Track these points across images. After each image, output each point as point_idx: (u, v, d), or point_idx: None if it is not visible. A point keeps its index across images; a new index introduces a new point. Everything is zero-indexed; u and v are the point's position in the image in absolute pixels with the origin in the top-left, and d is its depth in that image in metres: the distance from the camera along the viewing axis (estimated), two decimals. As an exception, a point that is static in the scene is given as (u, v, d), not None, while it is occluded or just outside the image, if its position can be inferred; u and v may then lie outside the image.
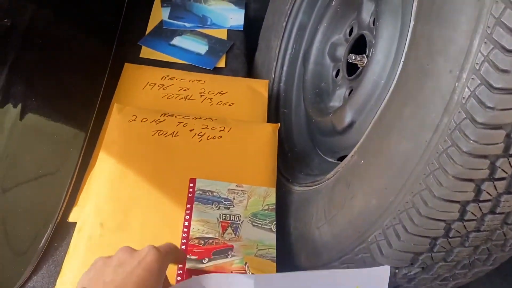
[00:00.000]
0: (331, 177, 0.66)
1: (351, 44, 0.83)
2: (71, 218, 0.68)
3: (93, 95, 0.78)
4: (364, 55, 0.72)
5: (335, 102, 0.82)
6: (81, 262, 0.61)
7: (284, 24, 0.99)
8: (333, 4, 0.86)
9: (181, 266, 0.60)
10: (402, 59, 0.57)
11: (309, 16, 0.97)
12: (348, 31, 0.86)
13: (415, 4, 0.56)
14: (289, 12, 0.98)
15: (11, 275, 0.60)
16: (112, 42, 0.86)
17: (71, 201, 0.69)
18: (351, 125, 0.71)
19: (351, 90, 0.79)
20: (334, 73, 0.87)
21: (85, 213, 0.66)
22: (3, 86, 0.72)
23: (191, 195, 0.68)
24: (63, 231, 0.66)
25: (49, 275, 0.62)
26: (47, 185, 0.69)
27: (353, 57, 0.73)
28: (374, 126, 0.57)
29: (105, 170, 0.70)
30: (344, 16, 0.86)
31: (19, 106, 0.71)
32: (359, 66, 0.74)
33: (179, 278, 0.60)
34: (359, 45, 0.82)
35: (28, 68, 0.75)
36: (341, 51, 0.87)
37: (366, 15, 0.78)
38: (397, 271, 0.53)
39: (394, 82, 0.55)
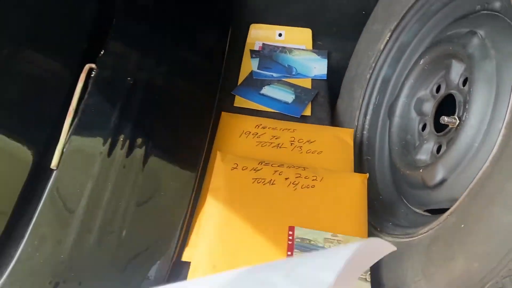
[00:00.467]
0: (425, 232, 0.69)
1: (438, 101, 0.87)
2: (184, 258, 0.76)
3: (200, 142, 0.87)
4: (456, 117, 0.76)
5: (422, 156, 0.86)
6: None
7: (368, 76, 1.04)
8: (421, 62, 0.90)
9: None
10: (502, 129, 0.60)
11: (393, 70, 1.02)
12: (435, 88, 0.89)
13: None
14: (373, 65, 1.04)
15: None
16: (215, 93, 0.95)
17: (184, 242, 0.77)
18: (442, 182, 0.74)
19: (439, 146, 0.82)
20: (420, 126, 0.91)
21: (198, 254, 0.74)
22: (125, 137, 0.82)
23: (290, 242, 0.74)
24: (177, 269, 0.74)
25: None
26: (163, 226, 0.77)
27: (446, 119, 0.76)
28: (473, 192, 0.60)
29: (213, 214, 0.78)
30: (432, 74, 0.90)
31: (141, 152, 0.81)
32: (449, 125, 0.78)
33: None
34: (446, 102, 0.85)
35: (147, 119, 0.86)
36: (427, 107, 0.90)
37: (455, 76, 0.82)
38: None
39: (494, 152, 0.59)
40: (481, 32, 0.74)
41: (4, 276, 0.66)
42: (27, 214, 0.74)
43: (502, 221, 0.52)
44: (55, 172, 0.76)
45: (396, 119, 0.95)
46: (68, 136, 0.80)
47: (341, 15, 1.25)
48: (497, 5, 0.74)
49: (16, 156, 0.80)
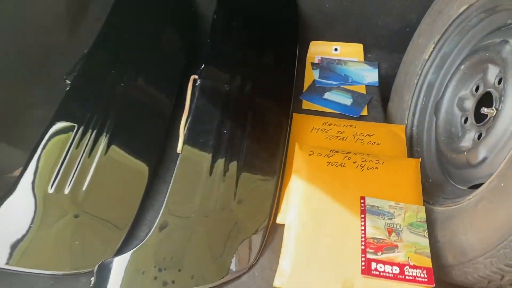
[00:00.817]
0: (472, 198, 0.87)
1: (477, 98, 1.05)
2: (278, 221, 0.97)
3: (283, 137, 1.08)
4: (494, 108, 0.94)
5: (466, 143, 1.04)
6: (293, 249, 0.88)
7: (415, 81, 1.24)
8: (462, 68, 1.09)
9: (363, 255, 0.85)
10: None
11: (437, 75, 1.21)
12: (474, 88, 1.08)
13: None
14: (419, 72, 1.23)
15: (247, 258, 0.89)
16: (290, 98, 1.17)
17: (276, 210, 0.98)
18: (484, 160, 0.92)
19: (480, 134, 1.00)
20: (463, 120, 1.09)
21: (290, 217, 0.94)
22: (226, 128, 1.05)
23: (363, 208, 0.94)
24: (274, 229, 0.95)
25: (269, 265, 0.89)
26: (261, 198, 0.98)
27: (486, 110, 0.95)
28: (510, 161, 0.78)
29: (298, 187, 0.98)
30: (471, 76, 1.08)
31: (239, 141, 1.03)
32: (488, 116, 0.96)
33: (363, 265, 0.84)
34: (484, 99, 1.04)
35: (242, 116, 1.08)
36: (468, 104, 1.09)
37: (491, 77, 1.01)
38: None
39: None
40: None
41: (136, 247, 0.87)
42: (163, 189, 0.98)
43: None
44: (180, 155, 0.99)
45: (442, 115, 1.14)
46: (186, 128, 1.03)
47: (388, 32, 1.45)
48: (525, 19, 0.93)
49: (148, 143, 1.04)
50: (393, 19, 1.44)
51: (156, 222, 0.89)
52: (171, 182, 0.95)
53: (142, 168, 1.00)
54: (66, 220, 0.90)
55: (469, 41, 1.12)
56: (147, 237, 0.88)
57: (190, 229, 0.90)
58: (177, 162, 0.98)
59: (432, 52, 1.20)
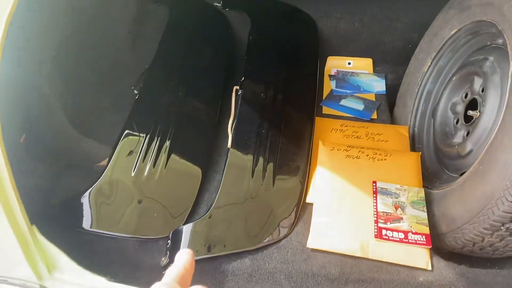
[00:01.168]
0: (459, 180, 1.11)
1: (466, 104, 1.30)
2: (308, 200, 1.21)
3: (309, 135, 1.33)
4: (477, 111, 1.19)
5: (457, 139, 1.28)
6: (321, 222, 1.13)
7: (416, 90, 1.48)
8: (453, 79, 1.34)
9: (376, 224, 1.10)
10: (501, 114, 1.02)
11: (434, 84, 1.45)
12: (464, 95, 1.32)
13: (509, 82, 1.03)
14: (420, 82, 1.48)
15: (286, 227, 1.13)
16: (314, 104, 1.42)
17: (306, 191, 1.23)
18: (470, 152, 1.17)
19: (468, 132, 1.25)
20: (455, 121, 1.33)
21: (317, 197, 1.19)
22: (265, 127, 1.30)
23: (375, 189, 1.18)
24: (304, 207, 1.20)
25: (302, 232, 1.14)
26: (294, 183, 1.23)
27: (471, 112, 1.19)
28: (487, 150, 1.02)
29: (322, 175, 1.23)
30: (461, 86, 1.33)
31: (276, 139, 1.28)
32: (473, 117, 1.21)
33: (375, 231, 1.09)
34: (471, 104, 1.28)
35: (277, 119, 1.33)
36: (459, 108, 1.33)
37: (477, 86, 1.25)
38: (502, 226, 0.96)
39: (498, 125, 1.01)
40: (491, 58, 1.18)
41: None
42: (216, 177, 1.23)
43: (503, 158, 0.94)
44: (230, 149, 1.25)
45: (438, 117, 1.39)
46: (233, 129, 1.29)
47: (393, 48, 1.71)
48: (500, 41, 1.17)
49: (202, 142, 1.30)
50: (398, 37, 1.69)
51: (215, 201, 1.14)
52: (224, 170, 1.20)
53: (199, 161, 1.26)
54: (147, 200, 1.15)
55: (459, 57, 1.37)
56: (208, 212, 1.13)
57: (241, 207, 1.15)
58: (228, 155, 1.23)
59: (430, 65, 1.45)
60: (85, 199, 1.12)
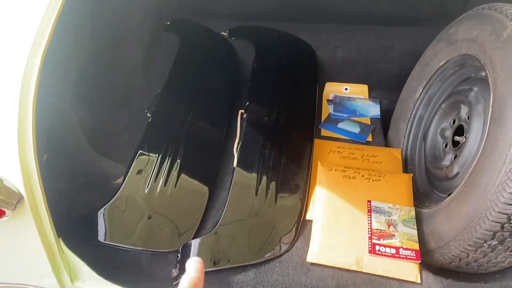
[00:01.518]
0: (446, 200, 1.20)
1: (454, 129, 1.40)
2: (307, 217, 1.30)
3: (309, 156, 1.43)
4: (464, 137, 1.28)
5: (446, 162, 1.38)
6: (319, 238, 1.21)
7: (409, 115, 1.58)
8: (442, 106, 1.45)
9: (370, 240, 1.18)
10: (484, 140, 1.12)
11: (425, 111, 1.55)
12: (452, 121, 1.42)
13: (490, 112, 1.13)
14: (412, 108, 1.58)
15: (287, 242, 1.22)
16: (313, 127, 1.52)
17: (306, 208, 1.32)
18: (457, 174, 1.26)
19: (455, 155, 1.34)
20: (444, 145, 1.43)
21: (316, 215, 1.27)
22: (267, 149, 1.39)
23: (369, 208, 1.27)
24: (304, 224, 1.28)
25: (302, 247, 1.22)
26: (294, 201, 1.31)
27: (458, 138, 1.29)
28: (471, 173, 1.12)
29: (321, 194, 1.32)
30: (449, 113, 1.43)
31: (278, 159, 1.37)
32: (460, 142, 1.30)
33: (369, 247, 1.17)
34: (459, 129, 1.38)
35: (279, 140, 1.43)
36: (448, 133, 1.43)
37: (463, 114, 1.35)
38: (484, 243, 1.05)
39: (480, 151, 1.11)
40: (475, 88, 1.29)
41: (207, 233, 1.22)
42: (222, 195, 1.32)
43: (482, 181, 1.03)
44: (235, 169, 1.34)
45: (428, 141, 1.49)
46: (238, 150, 1.38)
47: (388, 76, 1.82)
48: (483, 73, 1.27)
49: (209, 162, 1.39)
50: (392, 66, 1.80)
51: (221, 218, 1.23)
52: (230, 189, 1.29)
53: (206, 179, 1.35)
54: (158, 215, 1.24)
55: (448, 86, 1.47)
56: (215, 228, 1.21)
57: (245, 223, 1.24)
58: (233, 174, 1.33)
59: (421, 93, 1.55)
60: (102, 215, 1.21)
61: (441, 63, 1.44)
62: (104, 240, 1.17)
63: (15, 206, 0.88)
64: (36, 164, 0.89)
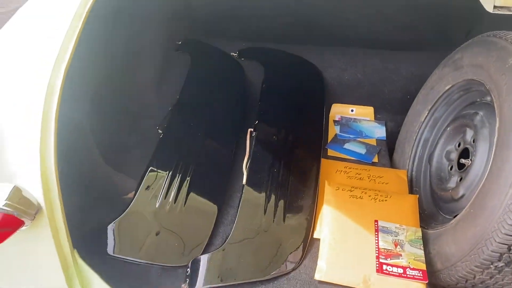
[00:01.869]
0: (452, 222, 1.22)
1: (459, 152, 1.42)
2: (315, 236, 1.31)
3: (316, 175, 1.45)
4: (469, 159, 1.31)
5: (451, 184, 1.40)
6: (327, 256, 1.23)
7: (414, 137, 1.61)
8: (448, 129, 1.48)
9: (377, 260, 1.20)
10: (490, 163, 1.15)
11: (430, 133, 1.58)
12: (457, 144, 1.45)
13: (496, 136, 1.16)
14: (418, 131, 1.61)
15: (295, 260, 1.23)
16: (320, 147, 1.55)
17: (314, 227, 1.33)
18: (462, 196, 1.29)
19: (461, 177, 1.37)
20: (449, 167, 1.46)
21: (323, 233, 1.29)
22: (276, 167, 1.42)
23: (376, 228, 1.29)
24: (312, 242, 1.30)
25: (310, 265, 1.23)
26: (302, 219, 1.33)
27: (463, 160, 1.32)
28: (477, 195, 1.14)
29: (328, 213, 1.34)
30: (455, 136, 1.46)
31: (286, 177, 1.39)
32: (466, 165, 1.33)
33: (377, 266, 1.19)
34: (464, 152, 1.41)
35: (288, 159, 1.45)
36: (453, 155, 1.45)
37: (469, 137, 1.38)
38: (491, 264, 1.06)
39: (487, 174, 1.13)
40: (481, 113, 1.32)
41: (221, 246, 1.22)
42: (230, 211, 1.34)
43: (490, 204, 1.05)
44: (245, 186, 1.36)
45: (434, 163, 1.51)
46: (247, 166, 1.41)
47: (393, 98, 1.85)
48: (488, 98, 1.31)
49: (219, 179, 1.41)
50: (397, 89, 1.84)
51: (230, 235, 1.25)
52: (239, 206, 1.31)
53: (215, 196, 1.37)
54: (168, 231, 1.25)
55: (453, 110, 1.50)
56: (224, 244, 1.23)
57: (254, 240, 1.25)
58: (242, 192, 1.35)
59: (426, 116, 1.58)
60: (113, 228, 1.22)
61: (447, 87, 1.48)
62: (115, 253, 1.18)
63: (34, 217, 0.90)
64: (56, 176, 0.91)
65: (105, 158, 1.33)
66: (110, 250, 1.19)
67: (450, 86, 1.47)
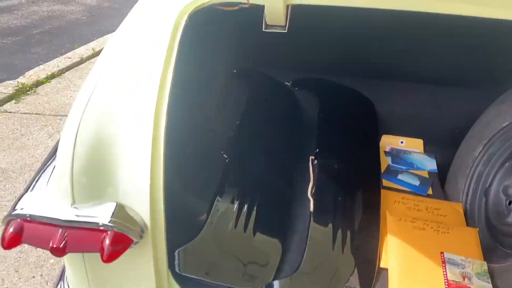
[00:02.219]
0: (519, 257, 1.25)
1: (518, 188, 1.46)
2: (382, 265, 1.34)
3: (378, 204, 1.49)
4: (532, 196, 1.35)
5: (510, 219, 1.43)
6: (397, 284, 1.25)
7: (467, 171, 1.65)
8: (506, 164, 1.52)
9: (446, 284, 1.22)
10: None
11: (485, 168, 1.62)
12: (515, 180, 1.49)
13: None
14: (471, 164, 1.65)
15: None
16: (379, 178, 1.59)
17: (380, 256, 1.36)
18: (526, 231, 1.32)
19: (521, 213, 1.40)
20: (507, 202, 1.49)
21: (391, 263, 1.32)
22: (337, 193, 1.46)
23: (443, 260, 1.31)
24: (379, 272, 1.32)
25: None
26: (371, 249, 1.36)
27: (525, 196, 1.36)
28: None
29: (393, 243, 1.37)
30: (513, 172, 1.51)
31: (348, 206, 1.43)
32: (528, 201, 1.37)
33: (448, 297, 1.21)
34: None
35: (349, 187, 1.50)
36: (511, 191, 1.49)
37: (529, 173, 1.43)
38: None
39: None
40: (543, 150, 1.37)
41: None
42: (294, 238, 1.38)
43: None
44: (312, 213, 1.40)
45: (491, 198, 1.55)
46: (312, 194, 1.45)
47: (442, 132, 1.90)
48: (551, 136, 1.36)
49: (283, 204, 1.45)
50: (446, 123, 1.89)
51: (303, 261, 1.28)
52: (309, 233, 1.34)
53: (281, 222, 1.41)
54: (239, 255, 1.28)
55: (510, 146, 1.55)
56: (297, 270, 1.26)
57: (323, 269, 1.28)
58: (310, 219, 1.38)
59: (481, 151, 1.63)
60: (188, 250, 1.26)
61: (504, 124, 1.53)
62: (190, 274, 1.21)
63: (141, 235, 0.94)
64: (163, 196, 0.95)
65: (180, 180, 1.38)
66: (186, 271, 1.22)
67: (507, 123, 1.52)
